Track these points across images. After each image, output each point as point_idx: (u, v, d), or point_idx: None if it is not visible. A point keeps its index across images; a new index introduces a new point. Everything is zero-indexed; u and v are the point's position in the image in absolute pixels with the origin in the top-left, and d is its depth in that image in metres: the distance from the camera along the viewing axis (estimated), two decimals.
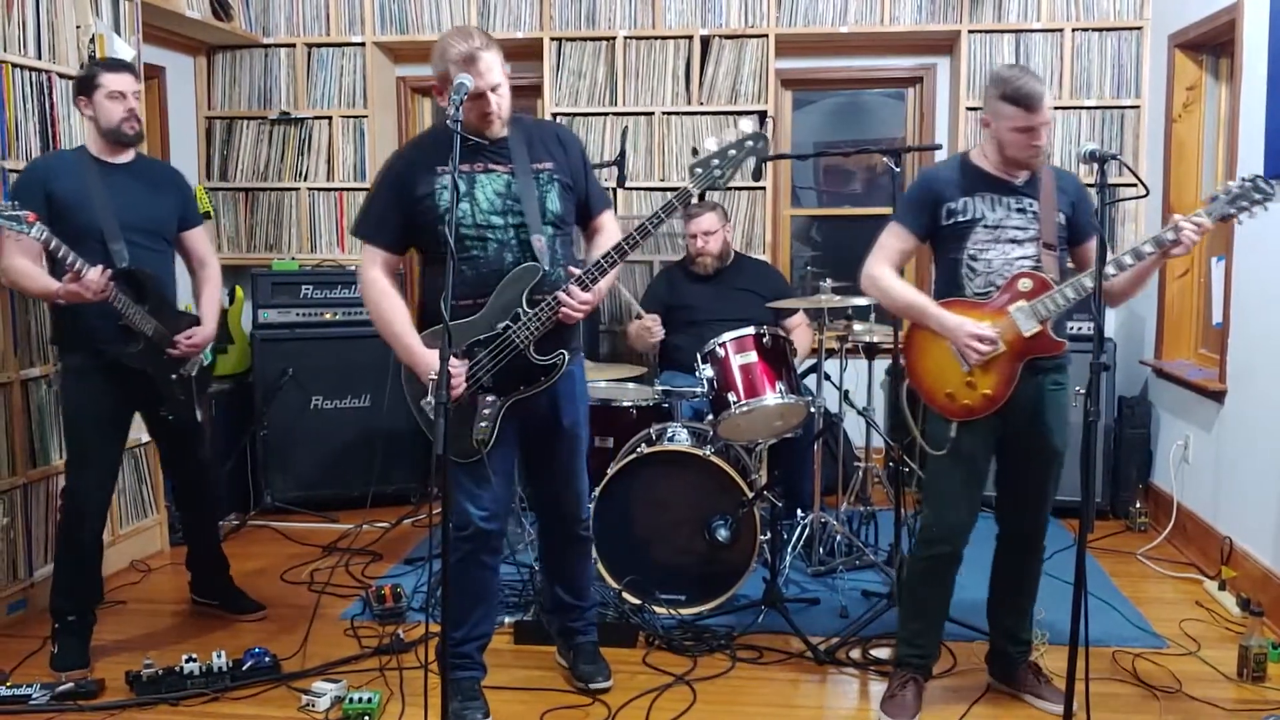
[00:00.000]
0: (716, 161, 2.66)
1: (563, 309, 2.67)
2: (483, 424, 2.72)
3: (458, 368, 2.65)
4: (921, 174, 2.92)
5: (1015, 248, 2.73)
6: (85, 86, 3.16)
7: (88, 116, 3.18)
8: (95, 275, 2.93)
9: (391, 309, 2.73)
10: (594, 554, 3.53)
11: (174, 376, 3.28)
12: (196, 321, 3.36)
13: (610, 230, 2.94)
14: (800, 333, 4.35)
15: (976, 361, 2.70)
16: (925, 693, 2.92)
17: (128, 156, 3.25)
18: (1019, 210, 2.74)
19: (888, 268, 2.84)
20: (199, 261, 3.46)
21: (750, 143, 2.66)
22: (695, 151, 2.72)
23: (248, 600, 3.66)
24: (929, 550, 2.84)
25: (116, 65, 3.21)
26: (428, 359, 2.67)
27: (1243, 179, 2.62)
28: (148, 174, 3.31)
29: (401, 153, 2.84)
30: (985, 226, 2.74)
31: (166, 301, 3.26)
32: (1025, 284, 2.69)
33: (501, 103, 2.68)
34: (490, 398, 2.73)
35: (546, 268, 2.72)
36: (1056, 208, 2.74)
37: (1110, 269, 2.62)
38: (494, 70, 2.63)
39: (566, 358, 2.76)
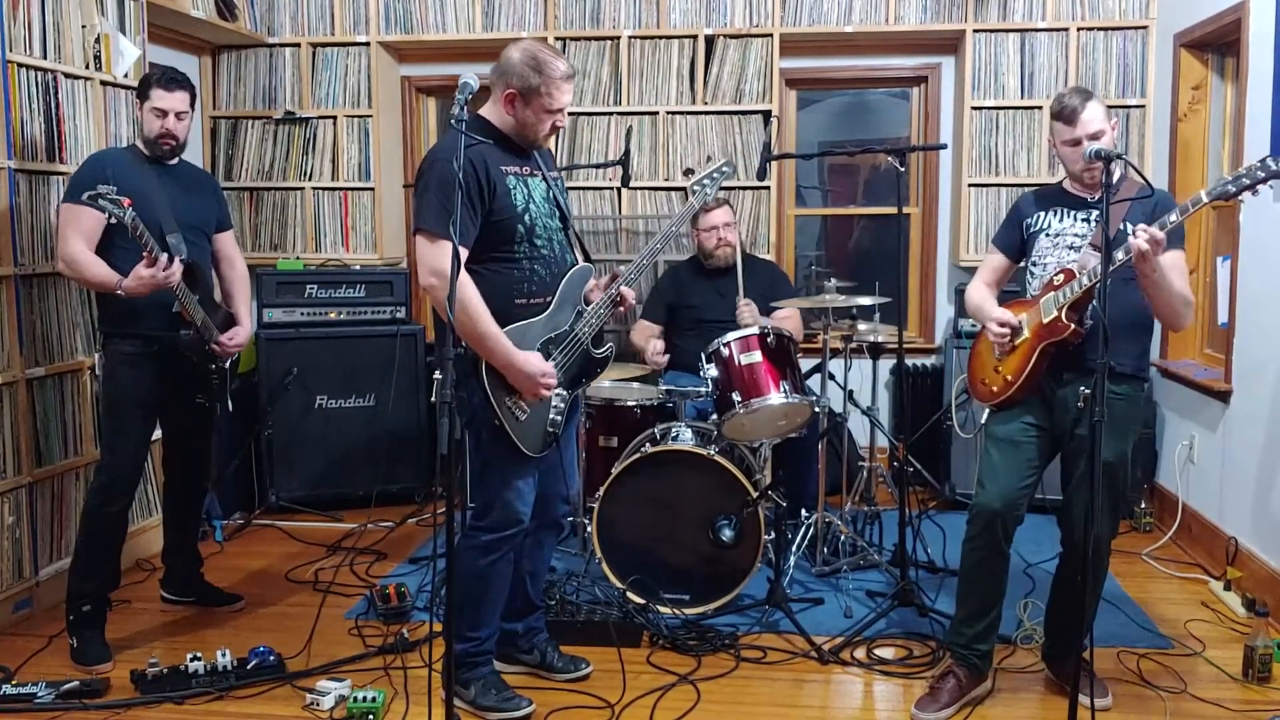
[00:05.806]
0: (707, 183, 3.22)
1: (622, 306, 2.91)
2: (556, 418, 2.84)
3: (551, 369, 2.74)
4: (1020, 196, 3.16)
5: (1071, 253, 2.85)
6: (140, 92, 3.30)
7: (138, 119, 3.34)
8: (176, 266, 3.11)
9: (484, 309, 2.64)
10: (599, 553, 3.55)
11: (213, 366, 3.43)
12: (231, 315, 3.51)
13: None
14: (792, 321, 4.35)
15: (994, 342, 2.90)
16: (968, 693, 2.91)
17: (173, 159, 3.38)
18: (1084, 220, 2.88)
19: (979, 283, 3.09)
20: (228, 262, 3.61)
21: (726, 168, 3.29)
22: (689, 172, 3.02)
23: (224, 594, 3.74)
24: (968, 532, 2.92)
25: (172, 82, 3.28)
26: (530, 361, 2.68)
27: (1254, 163, 2.57)
28: (190, 176, 3.46)
29: (464, 150, 2.58)
30: (1046, 235, 2.91)
31: (210, 294, 3.43)
32: (1058, 278, 2.82)
33: None
34: (561, 391, 2.84)
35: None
36: (1123, 217, 2.78)
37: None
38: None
39: (614, 348, 2.97)
